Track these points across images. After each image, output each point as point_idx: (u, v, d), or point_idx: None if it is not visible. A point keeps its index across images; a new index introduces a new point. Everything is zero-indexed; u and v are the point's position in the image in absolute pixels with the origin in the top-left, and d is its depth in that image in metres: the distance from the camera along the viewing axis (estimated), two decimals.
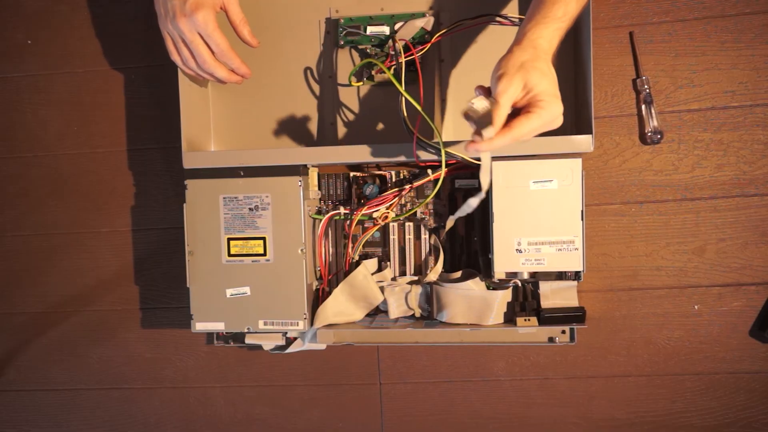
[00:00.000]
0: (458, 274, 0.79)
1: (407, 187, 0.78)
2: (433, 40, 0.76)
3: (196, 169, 0.77)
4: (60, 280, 0.90)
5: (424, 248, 0.80)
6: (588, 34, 0.70)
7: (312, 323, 0.77)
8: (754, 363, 0.80)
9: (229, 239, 0.76)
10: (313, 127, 0.82)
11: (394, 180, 0.80)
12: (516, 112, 0.62)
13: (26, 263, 0.91)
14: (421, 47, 0.76)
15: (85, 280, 0.90)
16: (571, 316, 0.75)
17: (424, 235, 0.80)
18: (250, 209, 0.76)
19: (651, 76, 0.78)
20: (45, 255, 0.90)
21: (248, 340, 0.81)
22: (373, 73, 0.79)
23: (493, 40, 0.78)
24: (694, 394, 0.82)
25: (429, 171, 0.77)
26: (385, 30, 0.78)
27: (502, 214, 0.72)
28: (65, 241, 0.90)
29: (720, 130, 0.78)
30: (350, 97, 0.81)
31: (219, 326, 0.77)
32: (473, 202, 0.72)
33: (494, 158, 0.72)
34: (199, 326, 0.77)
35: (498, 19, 0.75)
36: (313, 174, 0.80)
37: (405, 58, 0.74)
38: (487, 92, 0.62)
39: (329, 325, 0.78)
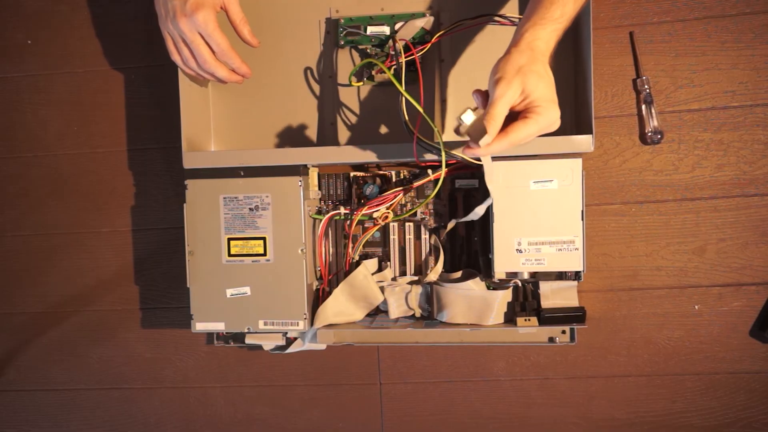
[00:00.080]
0: (458, 274, 0.79)
1: (407, 187, 0.78)
2: (433, 40, 0.76)
3: (196, 169, 0.77)
4: (60, 280, 0.90)
5: (425, 248, 0.80)
6: (588, 34, 0.70)
7: (312, 323, 0.77)
8: (754, 363, 0.80)
9: (229, 239, 0.76)
10: (313, 127, 0.82)
11: (394, 180, 0.80)
12: (513, 116, 0.62)
13: (26, 263, 0.91)
14: (421, 47, 0.76)
15: (85, 280, 0.90)
16: (571, 316, 0.75)
17: (425, 235, 0.80)
18: (251, 209, 0.76)
19: (651, 76, 0.78)
20: (45, 255, 0.90)
21: (248, 340, 0.81)
22: (373, 73, 0.79)
23: (493, 40, 0.78)
24: (694, 394, 0.82)
25: (429, 171, 0.77)
26: (386, 30, 0.78)
27: (502, 214, 0.72)
28: (65, 241, 0.90)
29: (720, 130, 0.78)
30: (350, 97, 0.81)
31: (219, 326, 0.77)
32: (480, 210, 0.73)
33: (494, 158, 0.72)
34: (199, 326, 0.77)
35: (498, 19, 0.75)
36: (314, 174, 0.80)
37: (405, 58, 0.74)
38: (484, 96, 0.62)
39: (329, 325, 0.78)
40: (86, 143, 0.88)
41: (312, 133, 0.82)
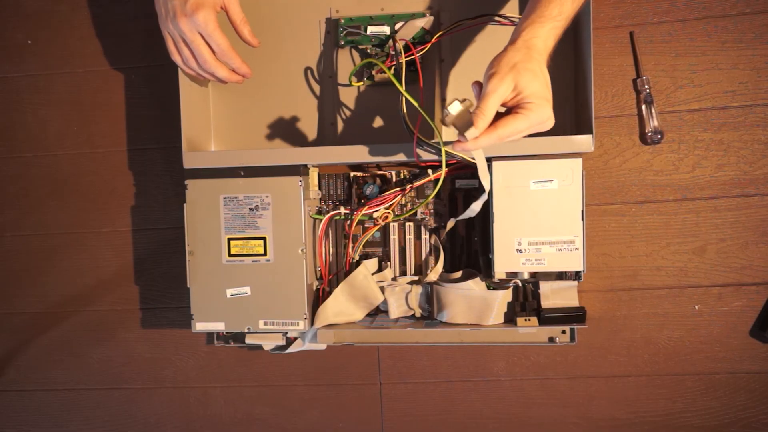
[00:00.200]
0: (458, 274, 0.79)
1: (407, 187, 0.78)
2: (433, 40, 0.76)
3: (197, 169, 0.77)
4: (60, 280, 0.90)
5: (425, 248, 0.80)
6: (588, 34, 0.70)
7: (312, 323, 0.77)
8: (754, 363, 0.80)
9: (229, 239, 0.76)
10: (313, 127, 0.82)
11: (394, 180, 0.80)
12: (507, 112, 0.62)
13: (26, 263, 0.91)
14: (421, 47, 0.76)
15: (85, 280, 0.90)
16: (572, 316, 0.75)
17: (425, 235, 0.80)
18: (251, 209, 0.76)
19: (651, 76, 0.78)
20: (45, 255, 0.90)
21: (248, 340, 0.81)
22: (373, 73, 0.79)
23: (493, 40, 0.78)
24: (694, 394, 0.82)
25: (429, 171, 0.77)
26: (386, 30, 0.78)
27: (502, 214, 0.72)
28: (65, 241, 0.90)
29: (720, 130, 0.78)
30: (350, 97, 0.81)
31: (219, 326, 0.77)
32: (476, 207, 0.73)
33: (495, 158, 0.72)
34: (200, 326, 0.77)
35: (498, 19, 0.75)
36: (314, 174, 0.80)
37: (405, 58, 0.74)
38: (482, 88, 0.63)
39: (329, 325, 0.78)
40: (86, 143, 0.88)
41: (312, 133, 0.82)
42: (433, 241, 0.80)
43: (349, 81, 0.79)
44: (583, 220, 0.71)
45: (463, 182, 0.79)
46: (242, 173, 0.77)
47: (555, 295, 0.76)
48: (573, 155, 0.71)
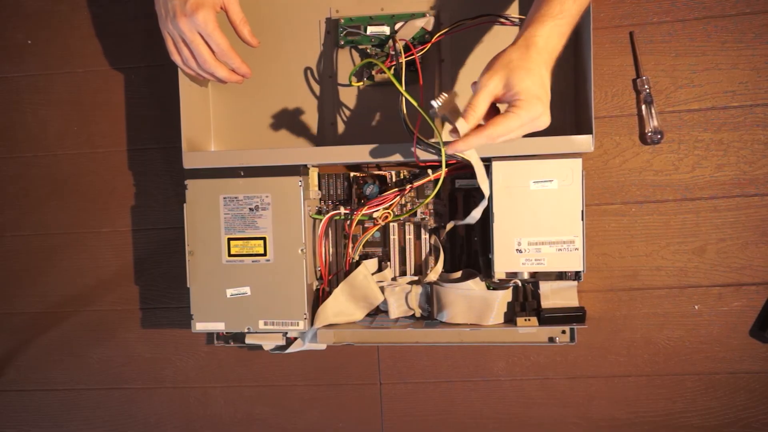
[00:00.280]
0: (458, 274, 0.79)
1: (407, 187, 0.78)
2: (433, 40, 0.76)
3: (196, 169, 0.77)
4: (60, 280, 0.90)
5: (425, 248, 0.80)
6: (588, 34, 0.70)
7: (312, 323, 0.77)
8: (754, 363, 0.80)
9: (229, 239, 0.76)
10: (313, 127, 0.82)
11: (394, 180, 0.80)
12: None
13: (26, 263, 0.91)
14: (421, 47, 0.76)
15: (85, 280, 0.90)
16: (572, 316, 0.75)
17: (425, 235, 0.80)
18: (251, 209, 0.76)
19: (651, 76, 0.78)
20: (45, 255, 0.90)
21: (248, 340, 0.81)
22: (373, 73, 0.79)
23: (493, 40, 0.78)
24: (694, 394, 0.82)
25: (429, 171, 0.77)
26: (385, 30, 0.78)
27: (502, 214, 0.72)
28: (65, 241, 0.90)
29: (720, 130, 0.78)
30: (350, 97, 0.81)
31: (219, 326, 0.77)
32: (477, 214, 0.73)
33: (495, 158, 0.72)
34: (200, 326, 0.77)
35: (498, 19, 0.75)
36: (313, 174, 0.80)
37: (405, 58, 0.74)
38: None
39: (329, 325, 0.78)
40: (86, 143, 0.88)
41: (312, 133, 0.82)
42: (432, 241, 0.80)
43: (349, 81, 0.79)
44: (583, 220, 0.71)
45: (463, 182, 0.79)
46: (242, 173, 0.77)
47: (555, 295, 0.76)
48: (573, 155, 0.71)
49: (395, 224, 0.81)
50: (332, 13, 0.80)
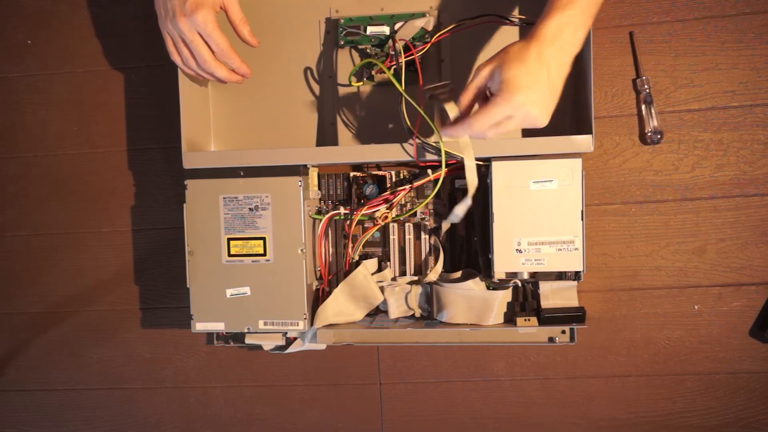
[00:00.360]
0: (458, 274, 0.79)
1: (407, 187, 0.78)
2: (433, 40, 0.76)
3: (196, 169, 0.77)
4: (60, 280, 0.90)
5: (424, 248, 0.80)
6: (588, 34, 0.70)
7: (312, 323, 0.77)
8: (754, 363, 0.80)
9: (229, 239, 0.76)
10: (313, 127, 0.82)
11: (394, 180, 0.80)
12: None
13: (26, 263, 0.91)
14: (421, 47, 0.76)
15: (85, 280, 0.90)
16: (571, 316, 0.75)
17: (424, 235, 0.80)
18: (250, 209, 0.76)
19: (651, 76, 0.78)
20: (45, 255, 0.90)
21: (248, 340, 0.81)
22: (373, 73, 0.79)
23: (493, 40, 0.78)
24: (694, 394, 0.82)
25: (429, 171, 0.77)
26: (385, 30, 0.78)
27: (502, 214, 0.72)
28: (65, 241, 0.90)
29: (720, 130, 0.78)
30: (350, 97, 0.81)
31: (219, 326, 0.77)
32: (460, 211, 0.72)
33: (495, 158, 0.72)
34: (199, 326, 0.77)
35: (498, 19, 0.75)
36: (313, 174, 0.80)
37: (405, 58, 0.74)
38: None
39: (329, 325, 0.78)
40: (86, 143, 0.88)
41: (312, 133, 0.82)
42: (432, 241, 0.80)
43: (349, 81, 0.79)
44: (582, 220, 0.71)
45: (463, 182, 0.78)
46: (242, 173, 0.77)
47: (555, 295, 0.76)
48: (573, 155, 0.71)
49: (395, 224, 0.81)
50: (332, 13, 0.80)
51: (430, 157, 0.71)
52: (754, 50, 0.77)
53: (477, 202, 0.78)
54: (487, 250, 0.76)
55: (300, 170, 0.77)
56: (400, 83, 0.70)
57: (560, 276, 0.74)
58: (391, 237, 0.81)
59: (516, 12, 0.77)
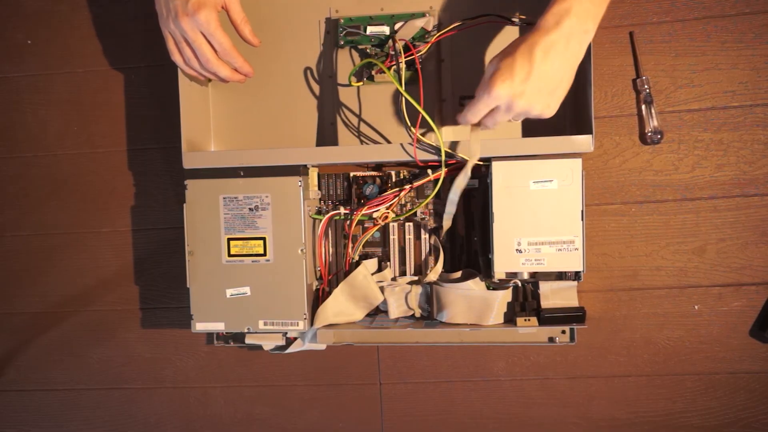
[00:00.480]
0: (458, 274, 0.79)
1: (407, 187, 0.78)
2: (433, 40, 0.76)
3: (196, 169, 0.77)
4: (60, 280, 0.90)
5: (424, 248, 0.80)
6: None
7: (312, 323, 0.77)
8: (754, 363, 0.80)
9: (229, 239, 0.76)
10: (313, 127, 0.82)
11: (394, 180, 0.80)
12: None
13: (26, 263, 0.91)
14: (421, 47, 0.76)
15: (85, 280, 0.90)
16: (571, 316, 0.75)
17: (424, 235, 0.80)
18: (250, 209, 0.76)
19: (651, 76, 0.78)
20: (45, 255, 0.90)
21: (248, 340, 0.81)
22: (373, 73, 0.79)
23: (493, 40, 0.78)
24: (694, 394, 0.82)
25: (429, 171, 0.77)
26: (385, 30, 0.78)
27: (502, 214, 0.72)
28: (65, 241, 0.90)
29: (720, 130, 0.78)
30: (350, 97, 0.81)
31: (219, 326, 0.77)
32: (454, 197, 0.72)
33: (495, 158, 0.72)
34: (199, 326, 0.77)
35: (498, 19, 0.75)
36: (313, 174, 0.80)
37: (405, 58, 0.74)
38: None
39: (329, 325, 0.78)
40: (86, 143, 0.88)
41: (312, 133, 0.82)
42: (432, 241, 0.80)
43: (349, 81, 0.79)
44: (582, 220, 0.71)
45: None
46: (242, 173, 0.77)
47: (555, 295, 0.76)
48: (573, 155, 0.71)
49: (395, 224, 0.81)
50: (332, 13, 0.80)
51: (430, 157, 0.71)
52: (754, 50, 0.77)
53: (477, 202, 0.79)
54: (487, 250, 0.76)
55: (300, 170, 0.77)
56: (401, 83, 0.70)
57: (560, 276, 0.74)
58: (391, 237, 0.81)
59: (516, 12, 0.77)
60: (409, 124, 0.70)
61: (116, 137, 0.88)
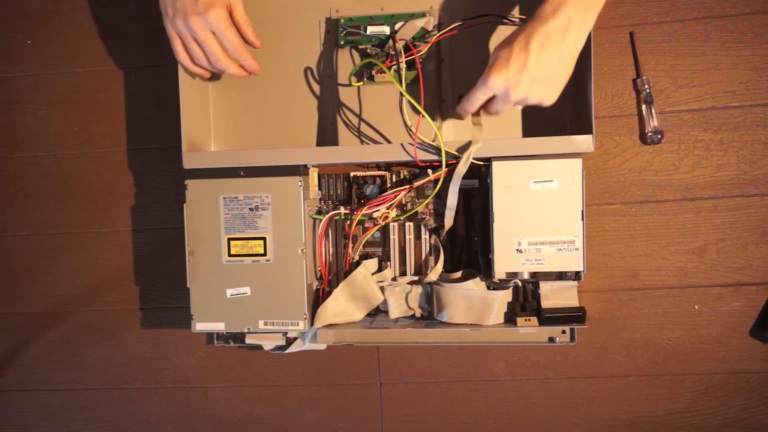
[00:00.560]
0: (458, 274, 0.79)
1: (407, 187, 0.78)
2: (433, 40, 0.76)
3: (196, 169, 0.77)
4: (60, 280, 0.90)
5: (425, 248, 0.80)
6: (588, 34, 0.70)
7: (312, 323, 0.77)
8: (754, 363, 0.80)
9: (229, 239, 0.76)
10: (313, 127, 0.82)
11: (394, 180, 0.80)
12: None
13: (26, 263, 0.91)
14: (421, 47, 0.76)
15: (85, 280, 0.90)
16: (572, 316, 0.75)
17: (425, 235, 0.80)
18: (251, 209, 0.76)
19: (651, 76, 0.78)
20: (45, 255, 0.90)
21: (248, 340, 0.81)
22: (373, 73, 0.79)
23: (493, 40, 0.78)
24: (694, 394, 0.82)
25: (429, 171, 0.77)
26: (386, 30, 0.78)
27: (502, 214, 0.72)
28: (65, 241, 0.90)
29: (720, 130, 0.78)
30: (350, 97, 0.81)
31: (219, 326, 0.77)
32: (454, 187, 0.73)
33: (495, 158, 0.72)
34: (200, 326, 0.77)
35: (498, 19, 0.75)
36: (314, 174, 0.80)
37: (405, 58, 0.74)
38: None
39: (329, 325, 0.78)
40: (86, 143, 0.88)
41: (312, 133, 0.82)
42: (433, 241, 0.80)
43: (349, 81, 0.79)
44: (583, 220, 0.71)
45: (463, 182, 0.78)
46: (242, 173, 0.77)
47: (555, 295, 0.76)
48: (573, 155, 0.71)
49: (395, 224, 0.81)
50: (332, 13, 0.80)
51: (430, 157, 0.71)
52: (754, 50, 0.77)
53: (477, 202, 0.79)
54: (487, 250, 0.76)
55: (300, 170, 0.77)
56: (401, 83, 0.70)
57: (560, 276, 0.74)
58: (392, 237, 0.81)
59: (516, 12, 0.77)
60: (409, 123, 0.70)
61: (116, 137, 0.88)
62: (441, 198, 0.80)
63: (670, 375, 0.82)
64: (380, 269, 0.81)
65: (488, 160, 0.73)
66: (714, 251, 0.79)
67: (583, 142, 0.70)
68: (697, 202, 0.79)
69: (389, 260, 0.81)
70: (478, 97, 0.66)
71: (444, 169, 0.72)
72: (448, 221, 0.77)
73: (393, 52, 0.75)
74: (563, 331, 0.78)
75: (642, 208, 0.80)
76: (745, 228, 0.79)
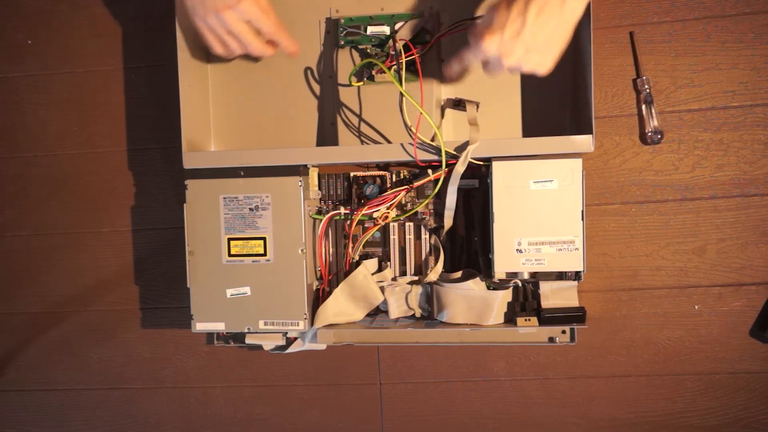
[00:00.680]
0: (458, 274, 0.79)
1: (407, 187, 0.78)
2: (433, 40, 0.76)
3: (197, 169, 0.77)
4: (60, 280, 0.90)
5: (425, 248, 0.80)
6: (588, 34, 0.70)
7: (312, 323, 0.77)
8: (754, 363, 0.80)
9: (229, 239, 0.76)
10: (313, 127, 0.82)
11: (394, 180, 0.80)
12: None
13: (26, 263, 0.91)
14: (421, 47, 0.76)
15: (85, 280, 0.90)
16: (572, 316, 0.75)
17: (425, 235, 0.80)
18: (251, 209, 0.76)
19: (651, 76, 0.78)
20: (45, 255, 0.90)
21: (248, 340, 0.81)
22: (373, 73, 0.79)
23: None
24: (694, 394, 0.82)
25: (429, 171, 0.77)
26: (385, 30, 0.78)
27: (502, 214, 0.72)
28: (65, 241, 0.90)
29: (720, 130, 0.78)
30: (350, 97, 0.81)
31: (219, 326, 0.77)
32: (453, 187, 0.73)
33: (495, 158, 0.72)
34: (200, 326, 0.77)
35: None
36: (314, 174, 0.80)
37: (405, 58, 0.74)
38: None
39: (329, 325, 0.78)
40: (86, 143, 0.88)
41: (312, 133, 0.82)
42: (433, 241, 0.80)
43: (349, 81, 0.79)
44: (583, 220, 0.71)
45: (463, 182, 0.79)
46: (242, 173, 0.77)
47: (555, 295, 0.76)
48: (573, 155, 0.71)
49: (395, 224, 0.81)
50: (332, 13, 0.80)
51: (430, 157, 0.71)
52: (754, 50, 0.77)
53: (477, 202, 0.79)
54: (487, 250, 0.76)
55: (300, 170, 0.77)
56: (401, 83, 0.70)
57: (560, 276, 0.74)
58: (392, 237, 0.81)
59: None
60: (409, 124, 0.70)
61: (116, 137, 0.88)
62: (441, 198, 0.80)
63: (670, 375, 0.82)
64: (380, 269, 0.81)
65: (488, 160, 0.73)
66: (714, 251, 0.79)
67: (583, 142, 0.70)
68: (697, 202, 0.79)
69: (389, 260, 0.81)
70: (468, 57, 0.66)
71: (444, 169, 0.72)
72: (448, 221, 0.77)
73: (393, 52, 0.75)
74: (563, 331, 0.78)
75: (642, 208, 0.80)
76: (745, 228, 0.79)
